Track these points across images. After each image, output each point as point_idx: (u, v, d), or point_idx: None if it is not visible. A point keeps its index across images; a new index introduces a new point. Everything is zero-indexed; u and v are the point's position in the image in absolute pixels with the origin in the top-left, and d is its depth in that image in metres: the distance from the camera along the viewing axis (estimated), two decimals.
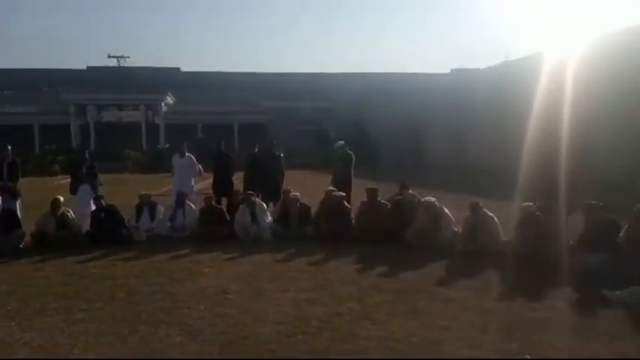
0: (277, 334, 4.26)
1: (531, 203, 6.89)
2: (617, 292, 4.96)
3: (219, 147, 10.97)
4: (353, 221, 8.31)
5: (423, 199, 7.87)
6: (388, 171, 20.19)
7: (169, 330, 4.35)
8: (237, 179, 11.15)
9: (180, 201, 8.75)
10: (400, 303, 5.03)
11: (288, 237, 8.19)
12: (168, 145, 31.19)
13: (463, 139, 25.32)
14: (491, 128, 21.79)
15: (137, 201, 8.87)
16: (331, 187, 9.08)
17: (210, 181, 10.92)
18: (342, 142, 10.37)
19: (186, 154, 10.24)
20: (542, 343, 3.94)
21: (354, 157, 9.96)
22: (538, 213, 6.80)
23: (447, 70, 39.21)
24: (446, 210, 7.70)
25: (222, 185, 10.06)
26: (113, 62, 45.87)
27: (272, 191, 9.44)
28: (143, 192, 9.21)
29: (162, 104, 36.49)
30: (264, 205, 8.91)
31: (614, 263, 5.34)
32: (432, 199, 7.77)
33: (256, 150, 11.03)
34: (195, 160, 10.28)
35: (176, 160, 10.38)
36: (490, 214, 7.26)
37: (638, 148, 13.98)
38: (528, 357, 3.72)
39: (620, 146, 14.13)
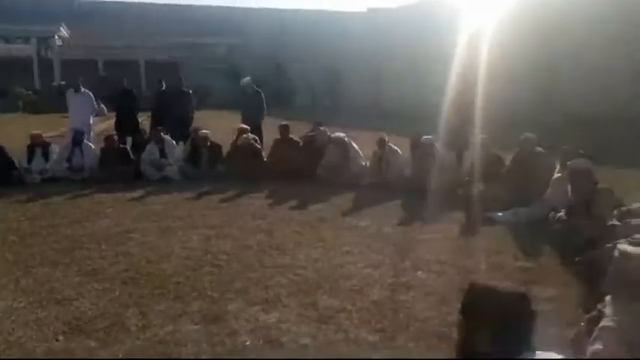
0: (183, 268, 4.27)
1: (430, 136, 7.26)
2: (500, 214, 5.51)
3: (123, 84, 10.26)
4: (265, 159, 8.32)
5: (332, 135, 8.02)
6: (304, 111, 20.21)
7: (67, 271, 4.19)
8: (144, 119, 10.60)
9: (77, 140, 8.15)
10: (307, 233, 5.22)
11: (198, 176, 8.04)
12: (63, 83, 28.33)
13: (380, 82, 25.70)
14: (407, 70, 22.23)
15: (28, 142, 8.15)
16: (242, 126, 8.93)
17: (113, 121, 10.28)
18: (249, 78, 10.05)
19: (82, 89, 9.47)
20: (431, 261, 4.32)
21: (262, 94, 9.72)
22: (435, 146, 7.18)
23: (364, 9, 38.97)
24: (354, 145, 7.93)
25: (125, 124, 9.52)
26: None
27: (181, 130, 9.09)
28: (35, 131, 8.46)
29: (56, 37, 32.90)
30: (174, 142, 8.60)
31: (499, 190, 5.88)
32: (342, 134, 7.95)
33: (163, 87, 10.47)
34: (92, 96, 9.55)
35: (71, 95, 9.59)
36: (395, 148, 7.58)
37: (542, 89, 14.89)
38: None
39: (523, 87, 15.00)
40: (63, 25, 33.30)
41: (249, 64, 32.77)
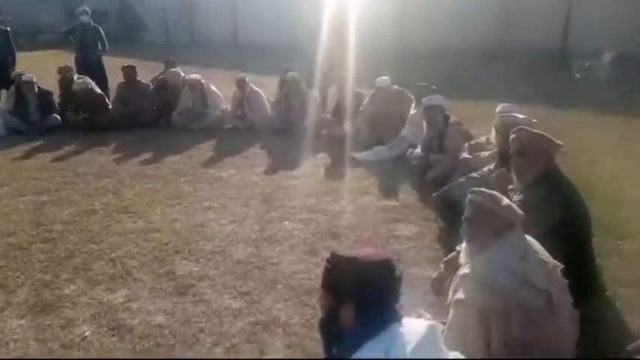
0: (6, 247, 3.54)
1: (294, 74, 6.94)
2: (363, 153, 5.52)
3: None
4: (110, 106, 7.31)
5: (186, 77, 7.27)
6: (157, 49, 18.36)
7: None
8: None
9: None
10: (163, 190, 4.69)
11: (26, 130, 6.81)
12: None
13: (238, 16, 24.33)
14: (268, 3, 21.22)
15: None
16: (65, 65, 7.63)
17: None
18: (84, 7, 8.54)
19: None
20: (297, 208, 4.16)
21: (100, 29, 8.36)
22: (295, 86, 6.90)
23: None
24: (213, 87, 7.31)
25: None
26: None
27: None
28: None
29: None
30: None
31: (358, 129, 5.88)
32: (197, 76, 7.24)
33: None
34: None
35: None
36: (257, 89, 7.15)
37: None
38: None
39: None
40: None
41: None
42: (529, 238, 2.13)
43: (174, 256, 3.38)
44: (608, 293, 2.82)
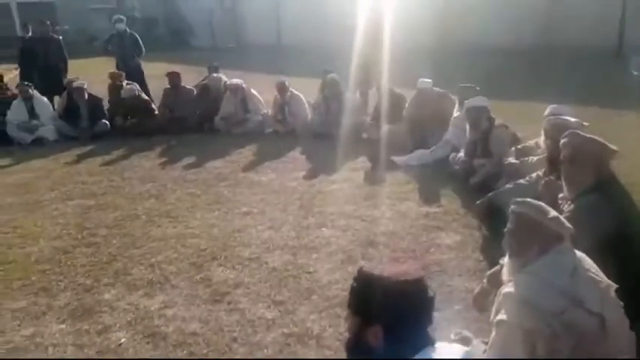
0: (52, 251, 3.66)
1: (334, 76, 6.86)
2: (405, 157, 5.38)
3: None
4: (156, 111, 7.51)
5: (228, 82, 7.36)
6: (204, 54, 18.79)
7: None
8: (9, 72, 9.11)
9: None
10: (203, 195, 4.74)
11: (77, 136, 7.10)
12: None
13: (281, 18, 24.57)
14: (311, 6, 21.31)
15: None
16: (114, 71, 7.88)
17: None
18: (119, 15, 8.70)
19: None
20: (335, 215, 4.08)
21: (137, 35, 8.54)
22: (341, 86, 6.83)
23: None
24: (254, 92, 7.36)
25: None
26: None
27: (51, 82, 7.86)
28: None
29: None
30: (45, 99, 7.48)
31: (398, 133, 5.73)
32: (239, 81, 7.31)
33: (29, 33, 8.98)
34: None
35: None
36: (297, 93, 7.13)
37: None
38: None
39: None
40: None
41: (137, 3, 29.75)
42: (579, 253, 1.96)
43: (211, 263, 3.39)
44: None
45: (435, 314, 1.41)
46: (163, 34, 27.79)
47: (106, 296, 3.01)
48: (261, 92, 7.60)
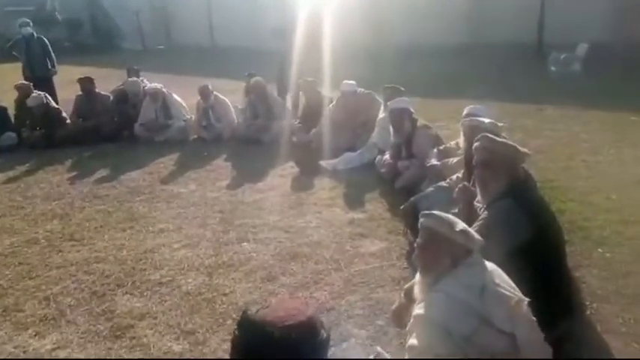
0: None
1: (259, 79, 6.62)
2: (333, 161, 5.25)
3: None
4: (67, 121, 6.94)
5: (147, 87, 6.92)
6: (133, 57, 17.87)
7: None
8: None
9: None
10: (114, 212, 4.37)
11: None
12: None
13: (214, 20, 23.92)
14: (244, 9, 20.84)
15: None
16: (21, 82, 7.23)
17: None
18: (25, 19, 7.99)
19: None
20: (259, 227, 3.86)
21: (46, 40, 7.87)
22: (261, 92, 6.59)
23: None
24: (176, 96, 6.98)
25: None
26: None
27: None
28: None
29: None
30: None
31: (327, 135, 5.60)
32: (159, 85, 6.90)
33: None
34: None
35: None
36: (222, 97, 6.83)
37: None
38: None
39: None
40: None
41: (59, 4, 28.00)
42: (490, 265, 1.86)
43: (115, 291, 3.06)
44: (587, 312, 2.58)
45: (358, 331, 1.24)
46: (89, 36, 26.34)
47: None
48: (189, 97, 7.23)
